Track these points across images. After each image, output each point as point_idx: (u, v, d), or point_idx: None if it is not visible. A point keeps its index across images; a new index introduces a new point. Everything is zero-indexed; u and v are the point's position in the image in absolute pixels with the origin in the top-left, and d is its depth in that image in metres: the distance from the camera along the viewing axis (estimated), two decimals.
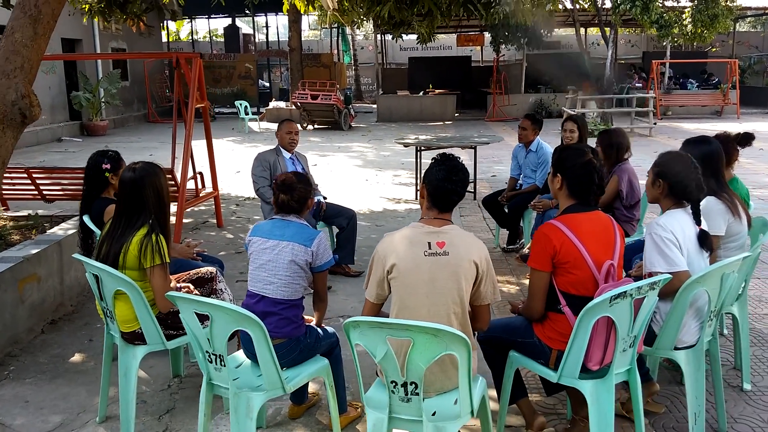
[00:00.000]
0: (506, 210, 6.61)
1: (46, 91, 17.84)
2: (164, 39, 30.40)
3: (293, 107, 21.50)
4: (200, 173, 7.59)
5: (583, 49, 19.46)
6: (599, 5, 18.75)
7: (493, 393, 3.42)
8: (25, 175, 7.16)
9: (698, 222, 3.27)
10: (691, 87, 24.44)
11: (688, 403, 3.28)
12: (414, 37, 21.48)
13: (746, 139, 4.46)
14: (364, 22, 13.89)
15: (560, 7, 19.14)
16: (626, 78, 26.82)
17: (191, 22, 34.02)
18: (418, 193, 3.03)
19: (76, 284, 5.30)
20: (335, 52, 31.96)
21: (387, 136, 18.24)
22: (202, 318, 2.88)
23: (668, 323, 3.18)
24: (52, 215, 5.98)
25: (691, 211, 3.28)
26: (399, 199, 9.59)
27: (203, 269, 3.90)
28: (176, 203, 6.89)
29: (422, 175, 3.03)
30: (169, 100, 24.62)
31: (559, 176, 3.12)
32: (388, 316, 2.87)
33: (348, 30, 31.04)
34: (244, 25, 36.54)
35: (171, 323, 3.44)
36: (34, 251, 4.75)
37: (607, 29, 19.06)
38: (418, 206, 8.95)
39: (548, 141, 6.87)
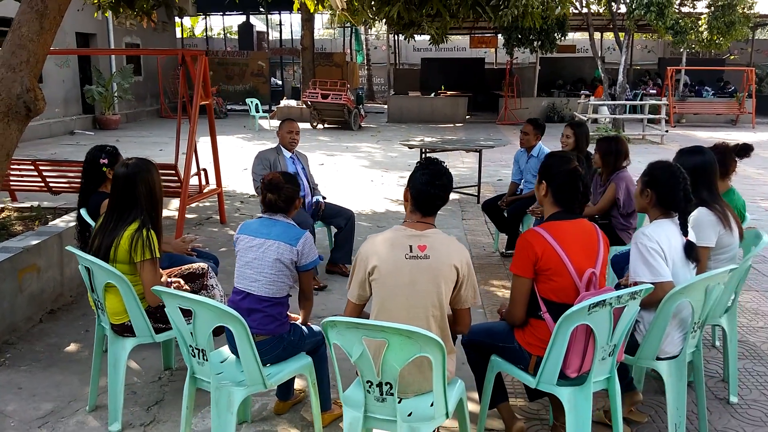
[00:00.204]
0: (506, 215, 6.63)
1: (60, 84, 18.03)
2: (178, 35, 30.53)
3: (304, 106, 21.57)
4: (204, 170, 7.65)
5: (596, 53, 19.33)
6: (614, 10, 18.66)
7: (476, 396, 3.45)
8: (33, 167, 7.26)
9: (685, 233, 3.28)
10: (706, 95, 24.30)
11: (669, 414, 3.30)
12: (427, 37, 21.55)
13: (745, 150, 4.44)
14: (376, 22, 13.90)
15: (574, 11, 19.11)
16: (641, 84, 26.74)
17: (206, 18, 34.17)
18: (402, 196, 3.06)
19: (76, 276, 5.36)
20: (348, 51, 31.99)
21: (396, 137, 18.27)
22: (190, 313, 2.92)
23: (651, 333, 3.20)
24: (55, 207, 6.07)
25: (678, 221, 3.29)
26: (402, 201, 9.59)
27: (195, 265, 3.95)
28: (179, 199, 6.96)
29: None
30: (183, 96, 24.71)
31: (544, 183, 3.15)
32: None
33: (361, 30, 31.07)
34: (258, 23, 36.62)
35: (160, 317, 3.50)
36: (35, 242, 4.82)
37: (622, 34, 18.98)
38: None
39: (557, 146, 6.88)
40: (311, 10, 11.82)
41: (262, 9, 28.69)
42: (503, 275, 6.17)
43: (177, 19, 28.78)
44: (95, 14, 9.74)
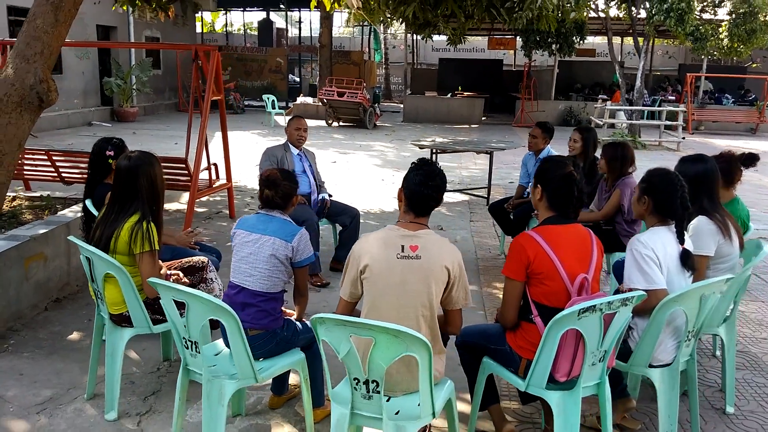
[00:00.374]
0: (512, 217, 6.62)
1: (80, 76, 18.22)
2: (198, 30, 30.71)
3: (320, 103, 21.64)
4: (215, 164, 7.70)
5: (614, 58, 19.23)
6: (634, 15, 18.54)
7: (470, 397, 3.47)
8: (46, 157, 7.35)
9: (682, 241, 3.28)
10: (726, 102, 24.10)
11: (660, 422, 3.31)
12: (446, 38, 21.53)
13: (750, 159, 4.42)
14: (393, 21, 13.91)
15: (593, 15, 19.03)
16: (660, 90, 26.55)
17: (226, 14, 34.35)
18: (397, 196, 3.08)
19: (83, 265, 5.44)
20: (366, 50, 32.03)
21: (410, 136, 18.27)
22: (185, 305, 2.96)
23: (643, 340, 3.20)
24: (66, 197, 6.14)
25: (675, 229, 3.29)
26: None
27: (195, 258, 4.00)
28: (189, 193, 7.02)
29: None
30: (201, 90, 24.87)
31: (539, 187, 3.16)
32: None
33: (380, 29, 31.09)
34: (279, 20, 36.79)
35: (158, 308, 3.52)
36: (42, 231, 4.89)
37: (641, 39, 18.87)
38: None
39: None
40: (327, 8, 11.86)
41: (282, 6, 28.81)
42: None
43: (197, 14, 29.06)
44: (113, 7, 9.82)
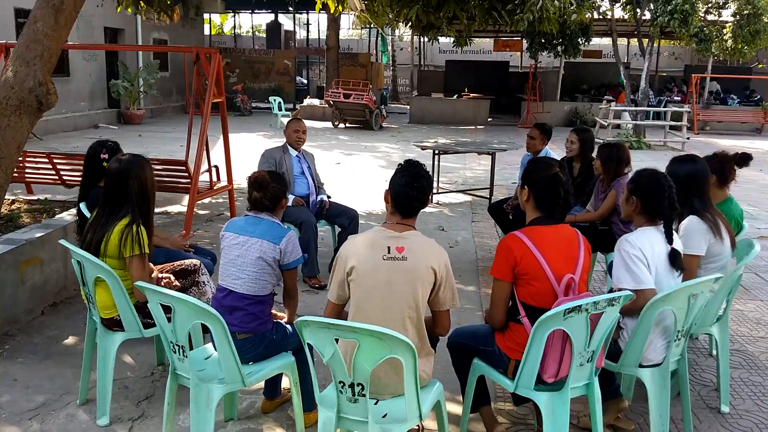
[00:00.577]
0: (511, 218, 6.60)
1: (87, 78, 18.31)
2: (207, 32, 30.83)
3: (327, 105, 21.68)
4: (216, 166, 7.73)
5: (619, 59, 19.16)
6: (638, 17, 18.48)
7: (462, 399, 3.46)
8: (47, 160, 7.39)
9: (670, 240, 3.27)
10: (731, 103, 23.99)
11: (651, 422, 3.29)
12: (452, 40, 21.60)
13: (744, 159, 4.43)
14: (398, 24, 13.91)
15: (598, 16, 18.96)
16: (666, 91, 26.45)
17: (235, 16, 34.47)
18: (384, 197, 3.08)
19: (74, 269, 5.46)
20: (374, 52, 32.07)
21: (416, 138, 18.25)
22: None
23: (633, 340, 3.19)
24: (64, 201, 6.17)
25: (663, 229, 3.28)
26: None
27: (187, 261, 4.00)
28: (189, 195, 7.05)
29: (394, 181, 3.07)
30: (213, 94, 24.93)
31: (526, 188, 3.16)
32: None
33: (387, 31, 31.13)
34: (287, 22, 36.89)
35: (149, 312, 3.53)
36: (38, 234, 4.91)
37: (645, 41, 18.80)
38: (432, 209, 9.09)
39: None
40: (331, 11, 11.90)
41: (290, 8, 28.90)
42: None
43: (206, 16, 29.19)
44: (117, 9, 9.86)
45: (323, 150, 15.41)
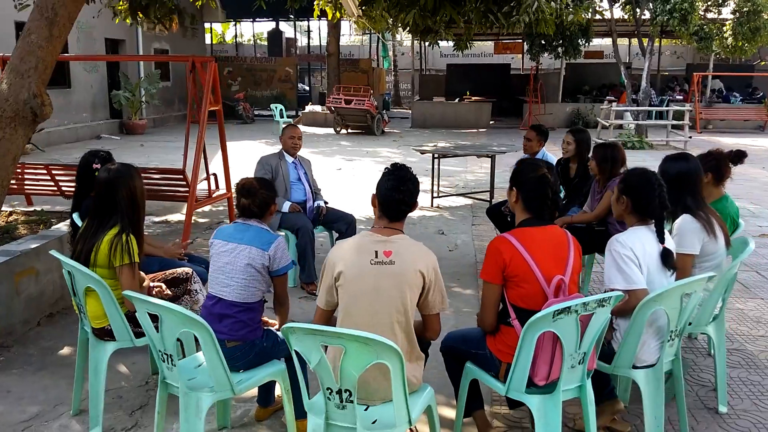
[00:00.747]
0: (509, 219, 6.57)
1: (88, 89, 18.38)
2: (208, 41, 30.93)
3: (328, 111, 21.70)
4: (214, 174, 7.73)
5: (620, 59, 19.12)
6: (638, 16, 18.45)
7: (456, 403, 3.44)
8: (46, 172, 7.41)
9: (662, 240, 3.24)
10: (734, 101, 23.91)
11: (646, 424, 3.25)
12: (453, 44, 21.64)
13: (738, 156, 4.39)
14: (397, 29, 13.91)
15: (597, 17, 18.94)
16: (668, 90, 26.38)
17: (236, 25, 34.56)
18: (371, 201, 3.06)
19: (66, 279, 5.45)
20: (375, 57, 32.11)
21: (418, 142, 18.19)
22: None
23: (626, 341, 3.16)
24: (62, 211, 6.17)
25: (654, 228, 3.25)
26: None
27: (180, 269, 3.99)
28: (187, 203, 7.05)
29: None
30: (210, 102, 24.98)
31: (514, 190, 3.14)
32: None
33: (388, 36, 31.18)
34: (289, 29, 37.01)
35: None
36: (33, 245, 4.91)
37: (645, 40, 18.77)
38: (432, 213, 9.08)
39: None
40: (329, 17, 11.91)
41: (291, 16, 28.96)
42: None
43: (207, 25, 29.28)
44: (116, 20, 9.89)
45: (325, 156, 15.42)
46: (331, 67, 23.79)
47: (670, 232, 3.65)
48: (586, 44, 21.86)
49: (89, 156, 4.46)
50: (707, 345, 4.66)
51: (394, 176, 2.94)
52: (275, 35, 32.44)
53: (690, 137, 17.22)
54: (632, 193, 3.27)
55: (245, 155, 13.69)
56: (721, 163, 4.25)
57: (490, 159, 9.44)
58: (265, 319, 3.46)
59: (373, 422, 2.75)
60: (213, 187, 7.75)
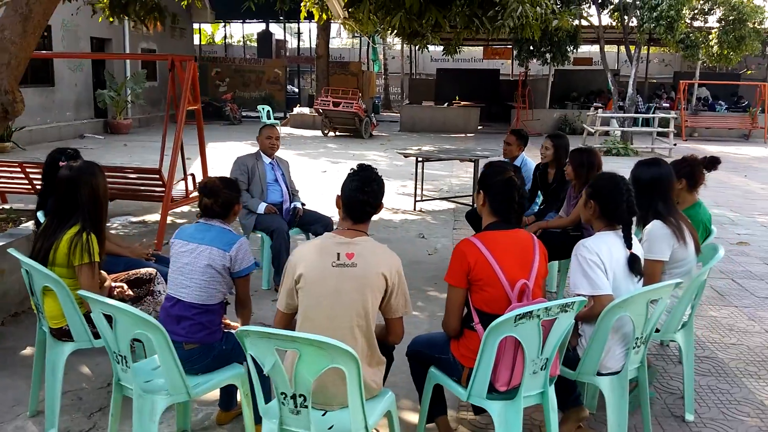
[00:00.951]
0: None
1: (72, 88, 18.21)
2: (197, 42, 30.81)
3: (316, 114, 21.64)
4: (192, 174, 7.66)
5: (607, 66, 19.17)
6: (625, 23, 18.51)
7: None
8: (20, 170, 7.31)
9: (629, 245, 3.20)
10: (719, 109, 24.02)
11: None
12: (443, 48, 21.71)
13: (713, 163, 4.37)
14: (387, 32, 13.87)
15: (585, 23, 18.99)
16: (655, 97, 26.49)
17: (225, 26, 34.46)
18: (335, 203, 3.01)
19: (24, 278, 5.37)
20: (365, 61, 32.09)
21: (405, 146, 18.21)
22: None
23: (590, 348, 3.12)
24: (32, 210, 6.07)
25: (622, 234, 3.22)
26: (397, 209, 9.56)
27: (143, 270, 3.93)
28: (162, 203, 6.97)
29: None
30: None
31: (481, 193, 3.10)
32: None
33: (379, 40, 31.16)
34: (279, 31, 36.92)
35: None
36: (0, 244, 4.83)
37: (632, 47, 18.83)
38: (415, 217, 9.03)
39: None
40: (315, 19, 11.87)
41: (281, 18, 28.90)
42: None
43: (196, 26, 29.18)
44: (99, 19, 9.80)
45: (310, 158, 15.36)
46: (320, 70, 23.73)
47: (641, 239, 3.63)
48: (574, 51, 21.93)
49: (56, 153, 4.39)
50: (678, 352, 4.62)
51: (359, 177, 2.88)
52: (265, 37, 32.34)
53: (675, 144, 17.26)
54: (600, 198, 3.23)
55: (230, 156, 13.57)
56: (695, 170, 4.23)
57: (473, 163, 9.41)
58: (227, 321, 3.41)
59: (330, 428, 2.70)
60: (191, 187, 7.67)
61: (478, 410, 3.48)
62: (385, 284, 2.81)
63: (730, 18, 18.54)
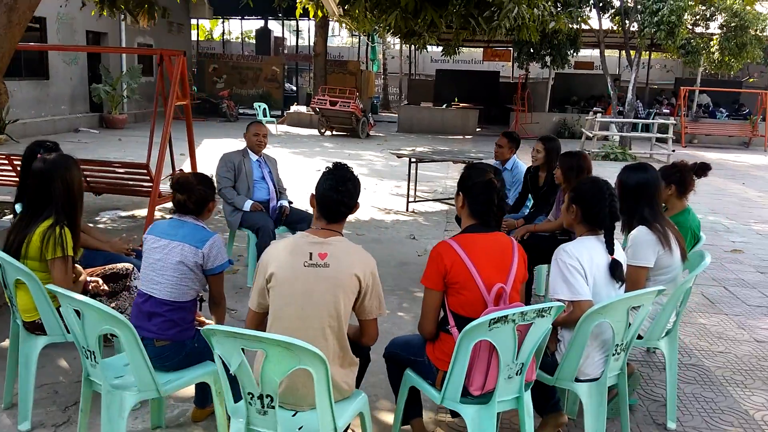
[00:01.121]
0: None
1: (67, 81, 18.14)
2: (195, 37, 30.73)
3: (313, 112, 21.58)
4: (181, 170, 7.58)
5: (606, 70, 19.12)
6: (626, 28, 18.45)
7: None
8: (7, 162, 7.26)
9: (611, 251, 3.15)
10: (720, 116, 23.96)
11: None
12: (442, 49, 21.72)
13: (702, 169, 4.32)
14: (381, 30, 13.83)
15: (580, 26, 18.94)
16: (656, 103, 26.44)
17: (224, 22, 34.38)
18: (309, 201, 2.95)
19: None
20: (364, 60, 32.02)
21: (402, 146, 18.16)
22: None
23: (568, 354, 3.07)
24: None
25: (604, 239, 3.16)
26: (390, 209, 9.51)
27: (120, 265, 3.87)
28: (150, 199, 6.92)
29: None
30: (194, 97, 24.84)
31: (461, 195, 3.04)
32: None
33: (378, 39, 31.09)
34: (278, 28, 36.84)
35: None
36: None
37: (633, 52, 18.79)
38: (407, 217, 8.97)
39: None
40: (311, 16, 11.81)
41: (279, 15, 28.83)
42: None
43: (194, 21, 29.09)
44: (92, 12, 9.74)
45: (305, 157, 15.31)
46: (318, 68, 23.66)
47: (625, 247, 3.58)
48: (574, 54, 21.86)
49: (34, 146, 4.32)
50: (664, 359, 4.57)
51: (333, 176, 2.84)
52: (263, 34, 32.25)
53: (673, 150, 17.21)
54: (582, 202, 3.18)
55: (221, 152, 13.54)
56: (686, 176, 4.19)
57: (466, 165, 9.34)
58: (201, 318, 3.35)
59: (300, 428, 2.65)
60: None
61: (456, 413, 3.43)
62: (358, 285, 2.75)
63: (732, 25, 18.49)
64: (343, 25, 13.13)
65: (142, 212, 8.44)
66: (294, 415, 2.73)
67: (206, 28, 38.19)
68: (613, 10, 19.11)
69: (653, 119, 20.39)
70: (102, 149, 14.58)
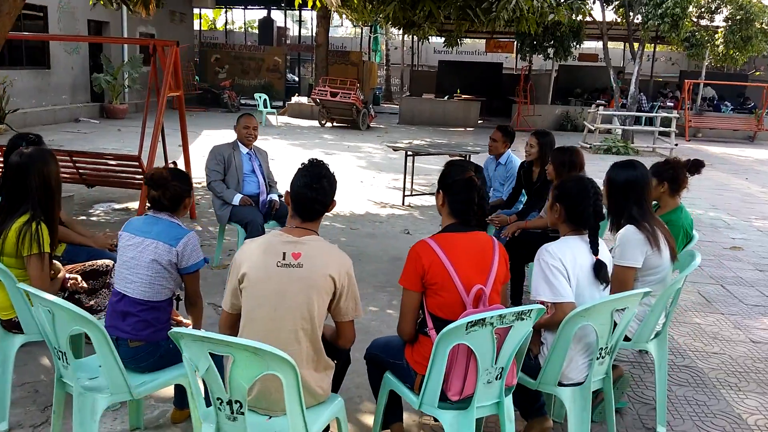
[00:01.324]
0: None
1: (68, 71, 18.07)
2: (197, 27, 30.61)
3: (314, 103, 21.47)
4: (174, 162, 7.49)
5: (609, 63, 18.97)
6: (630, 20, 18.29)
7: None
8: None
9: (595, 251, 3.07)
10: (725, 110, 23.78)
11: None
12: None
13: (696, 166, 4.24)
14: (381, 21, 13.70)
15: (581, 18, 18.77)
16: (660, 96, 26.26)
17: (227, 11, 34.24)
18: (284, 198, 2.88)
19: None
20: (367, 51, 31.86)
21: (403, 138, 18.05)
22: None
23: (551, 358, 3.00)
24: None
25: (588, 239, 3.08)
26: (386, 203, 9.43)
27: (99, 261, 3.80)
28: (141, 192, 6.85)
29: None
30: (195, 87, 24.76)
31: (441, 192, 2.96)
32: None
33: (381, 30, 30.91)
34: (281, 18, 36.70)
35: None
36: None
37: (636, 44, 18.62)
38: (402, 212, 8.89)
39: None
40: (309, 6, 11.70)
41: (282, 4, 28.71)
42: None
43: (197, 11, 28.98)
44: (90, 2, 9.65)
45: (304, 149, 15.22)
46: (320, 58, 23.51)
47: (611, 248, 3.49)
48: (578, 46, 21.69)
49: (16, 139, 4.26)
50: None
51: (308, 172, 2.76)
52: (266, 23, 32.10)
53: (676, 144, 17.09)
54: (566, 201, 3.10)
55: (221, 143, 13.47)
56: (678, 173, 4.10)
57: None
58: (179, 318, 3.29)
59: None
60: None
61: None
62: (333, 286, 2.68)
63: (737, 17, 18.31)
64: (343, 15, 13.00)
65: (136, 204, 8.38)
66: (268, 420, 2.67)
67: (209, 17, 38.04)
68: (617, 2, 18.95)
69: (656, 112, 20.23)
70: (101, 140, 14.51)
